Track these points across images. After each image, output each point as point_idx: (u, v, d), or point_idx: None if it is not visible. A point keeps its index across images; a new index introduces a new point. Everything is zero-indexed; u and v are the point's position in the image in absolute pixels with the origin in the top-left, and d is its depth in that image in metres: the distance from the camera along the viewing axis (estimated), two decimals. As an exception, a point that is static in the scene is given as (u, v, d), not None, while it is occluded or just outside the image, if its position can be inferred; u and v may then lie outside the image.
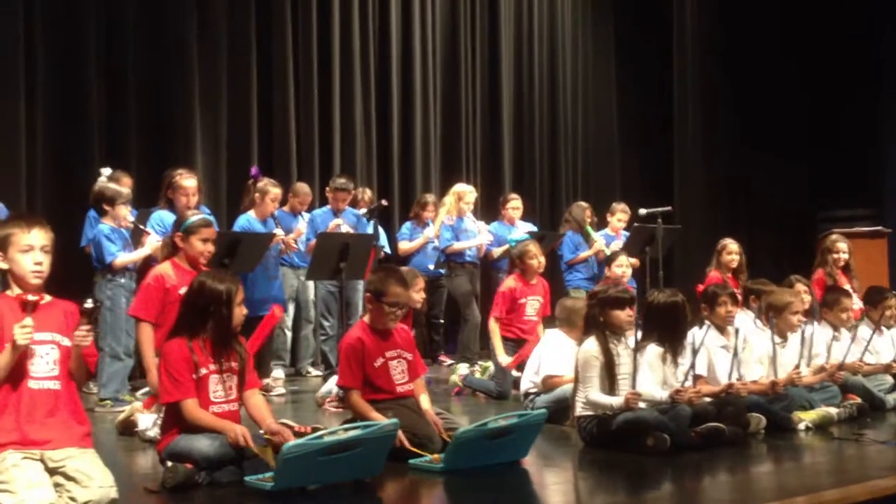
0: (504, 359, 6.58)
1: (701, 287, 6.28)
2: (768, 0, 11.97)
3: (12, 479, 3.30)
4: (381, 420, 4.16)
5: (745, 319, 5.90)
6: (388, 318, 4.62)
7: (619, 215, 9.02)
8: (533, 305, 6.83)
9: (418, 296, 5.93)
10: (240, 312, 4.10)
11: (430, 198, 8.71)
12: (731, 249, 7.69)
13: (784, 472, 4.55)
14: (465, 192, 8.54)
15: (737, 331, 5.29)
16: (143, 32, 8.16)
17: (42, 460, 3.39)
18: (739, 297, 5.94)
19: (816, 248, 7.88)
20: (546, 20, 11.53)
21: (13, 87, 7.42)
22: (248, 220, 7.05)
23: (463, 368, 7.11)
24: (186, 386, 3.94)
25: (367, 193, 8.59)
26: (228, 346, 4.07)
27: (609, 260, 7.58)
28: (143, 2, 8.18)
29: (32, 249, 3.49)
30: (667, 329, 4.94)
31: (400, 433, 4.15)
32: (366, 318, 4.72)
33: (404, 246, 8.42)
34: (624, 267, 7.34)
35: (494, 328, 6.74)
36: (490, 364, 6.97)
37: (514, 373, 6.41)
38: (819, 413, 5.31)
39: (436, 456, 4.23)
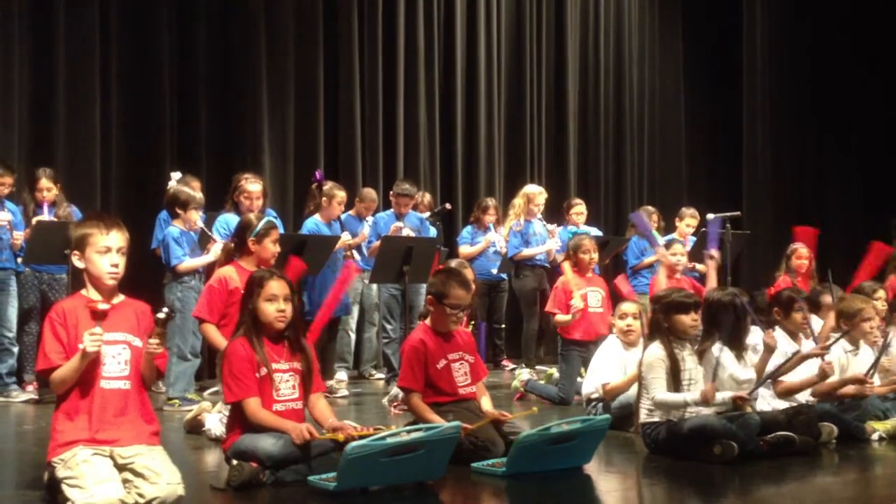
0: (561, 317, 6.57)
1: (772, 291, 6.16)
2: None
3: (82, 474, 3.36)
4: (439, 422, 4.16)
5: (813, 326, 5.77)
6: (450, 319, 4.62)
7: (688, 220, 8.90)
8: (595, 297, 6.74)
9: None
10: (274, 308, 4.05)
11: (492, 202, 8.67)
12: (801, 254, 7.53)
13: (856, 483, 4.42)
14: (535, 194, 8.46)
15: (814, 336, 5.18)
16: (214, 40, 8.35)
17: (111, 457, 3.45)
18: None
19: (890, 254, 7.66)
20: (613, 24, 11.43)
21: (89, 94, 7.65)
22: (315, 224, 7.12)
23: (525, 374, 7.08)
24: (249, 385, 3.98)
25: (427, 197, 8.61)
26: (277, 343, 4.08)
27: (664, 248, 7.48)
28: (213, 12, 8.36)
29: (110, 251, 3.54)
30: (725, 328, 4.83)
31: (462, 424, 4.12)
32: (427, 321, 4.74)
33: (465, 250, 8.40)
34: (678, 255, 7.23)
35: (558, 316, 6.68)
36: (553, 370, 6.91)
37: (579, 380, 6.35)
38: (893, 423, 5.16)
39: (497, 461, 4.22)
